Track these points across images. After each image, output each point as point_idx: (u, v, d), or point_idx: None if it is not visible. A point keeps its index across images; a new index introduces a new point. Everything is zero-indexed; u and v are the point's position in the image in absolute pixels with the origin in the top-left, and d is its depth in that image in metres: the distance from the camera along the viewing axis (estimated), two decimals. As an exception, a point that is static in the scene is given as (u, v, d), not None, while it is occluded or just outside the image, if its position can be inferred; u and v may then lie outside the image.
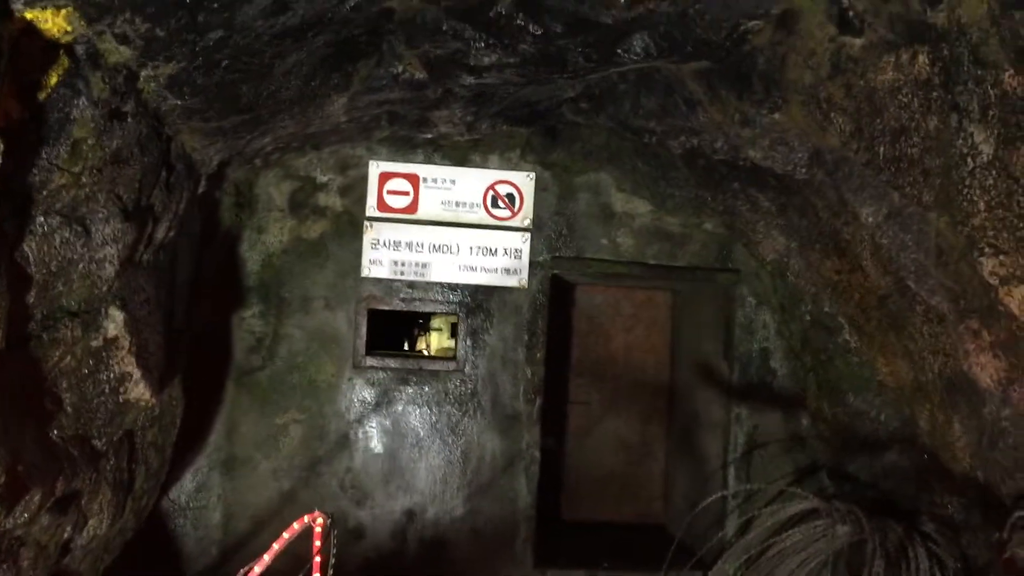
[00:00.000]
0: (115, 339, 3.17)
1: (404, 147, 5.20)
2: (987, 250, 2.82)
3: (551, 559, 5.48)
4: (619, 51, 3.43)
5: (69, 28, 2.40)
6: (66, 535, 3.32)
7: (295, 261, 5.20)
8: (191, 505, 5.17)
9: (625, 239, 5.39)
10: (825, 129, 3.21)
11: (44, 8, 2.27)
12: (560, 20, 3.12)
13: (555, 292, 5.59)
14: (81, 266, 3.00)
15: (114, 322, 3.16)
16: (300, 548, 3.04)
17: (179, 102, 3.14)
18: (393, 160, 5.22)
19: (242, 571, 2.86)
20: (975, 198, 2.79)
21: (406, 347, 8.25)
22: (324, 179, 5.20)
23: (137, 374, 3.30)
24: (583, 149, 5.26)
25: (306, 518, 2.76)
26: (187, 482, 5.14)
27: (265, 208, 5.17)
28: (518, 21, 3.15)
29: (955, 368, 3.30)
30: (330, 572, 2.82)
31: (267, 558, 2.75)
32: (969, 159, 2.75)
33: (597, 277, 5.74)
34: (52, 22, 2.33)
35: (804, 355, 5.11)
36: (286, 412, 5.21)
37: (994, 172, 2.68)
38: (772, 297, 5.23)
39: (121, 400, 3.32)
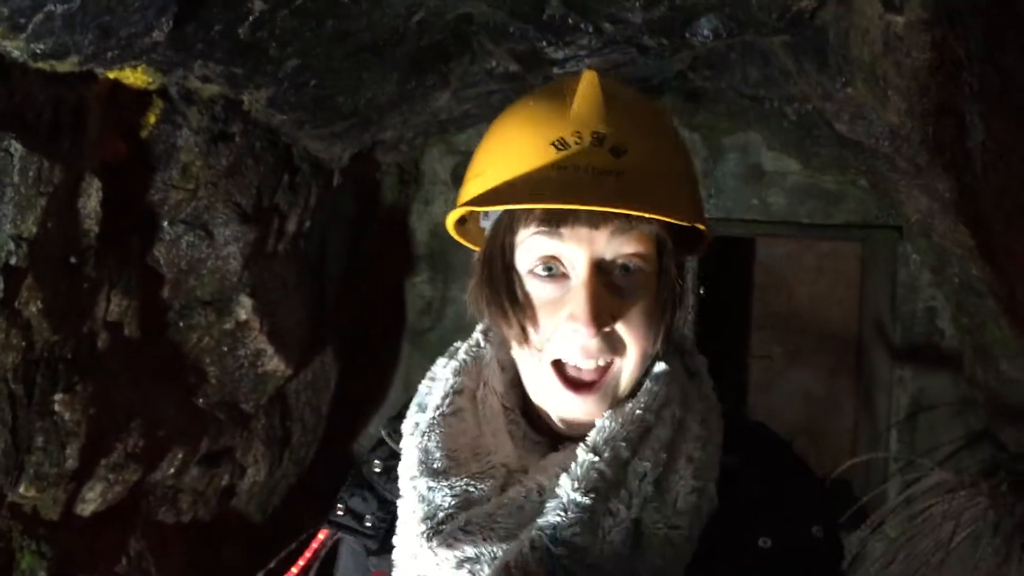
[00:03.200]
0: (246, 322, 3.75)
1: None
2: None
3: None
4: (687, 35, 3.48)
5: (151, 80, 2.89)
6: (224, 482, 3.99)
7: (458, 230, 5.61)
8: (377, 450, 5.82)
9: (776, 198, 5.31)
10: (884, 106, 3.11)
11: (122, 68, 2.76)
12: (606, 19, 3.25)
13: (719, 250, 5.62)
14: (209, 263, 3.58)
15: (244, 308, 3.73)
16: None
17: (285, 117, 3.61)
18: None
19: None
20: None
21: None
22: (482, 153, 5.54)
23: (270, 350, 3.87)
24: (728, 110, 5.22)
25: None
26: (373, 430, 5.81)
27: (430, 182, 5.62)
28: (570, 20, 3.30)
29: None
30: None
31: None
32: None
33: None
34: (134, 77, 2.84)
35: (960, 318, 4.85)
36: (454, 369, 5.69)
37: None
38: (929, 256, 4.98)
39: (260, 371, 3.91)
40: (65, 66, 2.54)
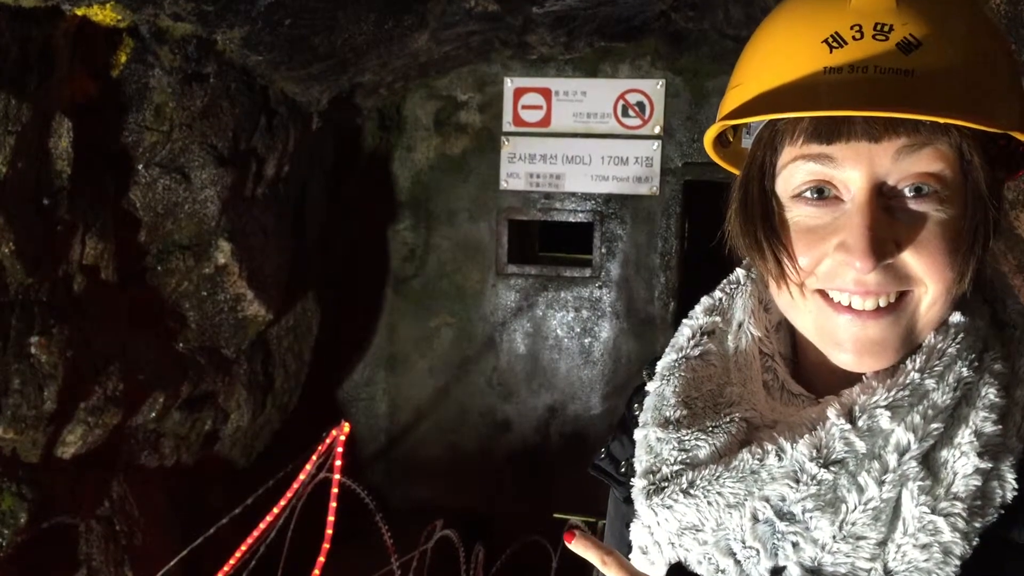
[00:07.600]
0: (225, 266, 3.73)
1: (537, 62, 5.38)
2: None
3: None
4: (667, -29, 3.44)
5: (120, 17, 2.84)
6: (207, 427, 4.00)
7: (441, 176, 5.59)
8: (361, 396, 5.85)
9: (760, 142, 5.28)
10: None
11: (90, 5, 2.71)
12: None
13: (694, 197, 5.60)
14: (187, 207, 3.55)
15: (222, 252, 3.71)
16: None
17: (260, 57, 3.55)
18: (527, 75, 5.41)
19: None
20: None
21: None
22: (464, 97, 5.49)
23: (250, 295, 3.85)
24: (712, 53, 5.18)
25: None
26: (356, 376, 5.82)
27: (412, 128, 5.57)
28: (548, -43, 3.26)
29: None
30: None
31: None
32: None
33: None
34: (102, 14, 2.78)
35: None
36: (438, 316, 5.71)
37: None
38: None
39: (240, 316, 3.90)
40: (30, 1, 2.49)
